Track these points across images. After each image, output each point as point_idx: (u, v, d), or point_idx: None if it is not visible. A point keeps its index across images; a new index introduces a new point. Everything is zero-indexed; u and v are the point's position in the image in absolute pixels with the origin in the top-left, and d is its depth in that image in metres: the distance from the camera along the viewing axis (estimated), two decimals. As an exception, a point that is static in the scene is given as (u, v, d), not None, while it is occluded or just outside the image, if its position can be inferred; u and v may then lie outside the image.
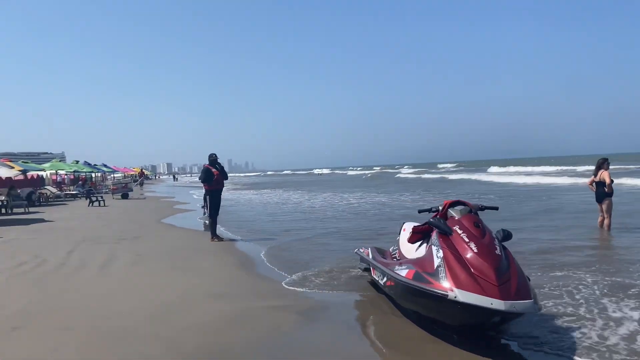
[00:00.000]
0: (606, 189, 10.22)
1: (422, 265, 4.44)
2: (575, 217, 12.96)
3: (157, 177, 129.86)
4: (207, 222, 14.02)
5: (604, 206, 10.33)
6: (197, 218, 16.26)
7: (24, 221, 16.43)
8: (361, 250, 6.76)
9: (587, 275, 6.56)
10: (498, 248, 4.32)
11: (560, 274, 6.74)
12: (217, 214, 11.22)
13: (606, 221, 10.34)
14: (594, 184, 10.64)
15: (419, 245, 5.15)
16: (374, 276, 5.92)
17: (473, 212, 4.76)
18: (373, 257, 6.01)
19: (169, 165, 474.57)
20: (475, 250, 4.21)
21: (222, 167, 11.29)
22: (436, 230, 4.67)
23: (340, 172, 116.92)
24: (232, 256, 9.15)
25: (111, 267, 8.26)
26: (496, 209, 5.42)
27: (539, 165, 64.71)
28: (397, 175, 66.67)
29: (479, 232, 4.41)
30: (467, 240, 4.33)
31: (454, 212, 4.72)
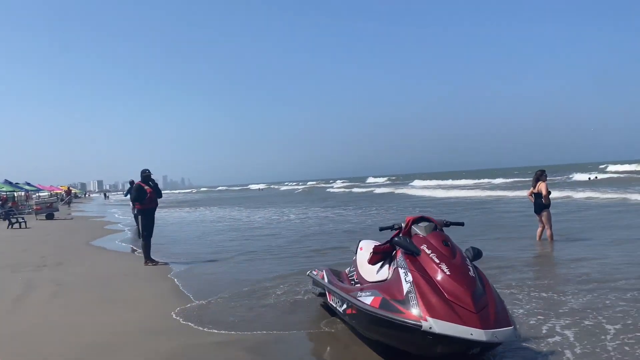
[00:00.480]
0: (543, 201, 10.17)
1: (389, 291, 3.85)
2: (515, 229, 12.86)
3: (87, 196, 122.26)
4: (133, 247, 12.81)
5: (543, 217, 10.29)
6: (116, 241, 14.72)
7: None
8: (314, 273, 5.93)
9: (518, 292, 6.22)
10: (471, 269, 3.85)
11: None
12: (151, 236, 10.14)
13: (548, 232, 10.25)
14: (532, 195, 10.55)
15: (381, 267, 4.58)
16: (331, 302, 5.18)
17: (438, 229, 4.25)
18: (329, 281, 5.24)
19: (100, 183, 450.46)
20: (448, 273, 3.71)
21: (156, 184, 10.26)
22: (401, 250, 4.11)
23: (276, 187, 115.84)
24: (167, 282, 8.16)
25: (27, 300, 7.07)
26: (462, 224, 4.90)
27: (459, 178, 66.88)
28: (329, 189, 66.80)
29: (448, 252, 3.90)
30: (437, 261, 3.81)
31: (419, 230, 4.18)
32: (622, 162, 73.26)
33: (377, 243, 4.83)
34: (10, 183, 35.42)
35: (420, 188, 48.01)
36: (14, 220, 21.18)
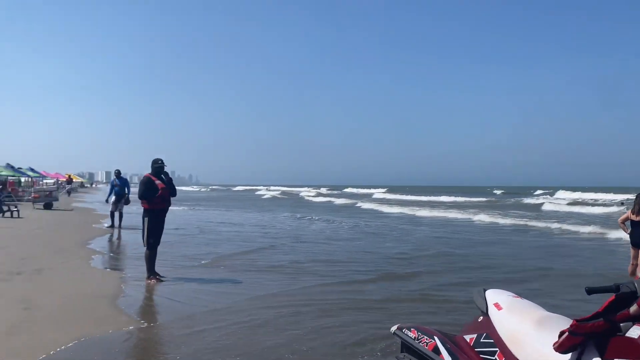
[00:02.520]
0: None
1: None
2: (585, 267, 10.03)
3: (94, 186, 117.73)
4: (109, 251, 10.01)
5: None
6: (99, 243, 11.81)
7: None
8: (410, 334, 3.19)
9: None
10: None
11: None
12: (159, 244, 7.44)
13: None
14: (627, 222, 8.18)
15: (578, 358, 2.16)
16: None
17: None
18: None
19: (108, 174, 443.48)
20: None
21: (171, 179, 7.56)
22: None
23: (293, 190, 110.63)
24: (174, 314, 5.44)
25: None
26: None
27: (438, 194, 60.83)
28: (300, 194, 62.94)
29: None
30: None
31: None
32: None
33: (514, 296, 2.81)
34: (12, 167, 32.20)
35: (378, 202, 39.15)
36: (5, 208, 18.18)
